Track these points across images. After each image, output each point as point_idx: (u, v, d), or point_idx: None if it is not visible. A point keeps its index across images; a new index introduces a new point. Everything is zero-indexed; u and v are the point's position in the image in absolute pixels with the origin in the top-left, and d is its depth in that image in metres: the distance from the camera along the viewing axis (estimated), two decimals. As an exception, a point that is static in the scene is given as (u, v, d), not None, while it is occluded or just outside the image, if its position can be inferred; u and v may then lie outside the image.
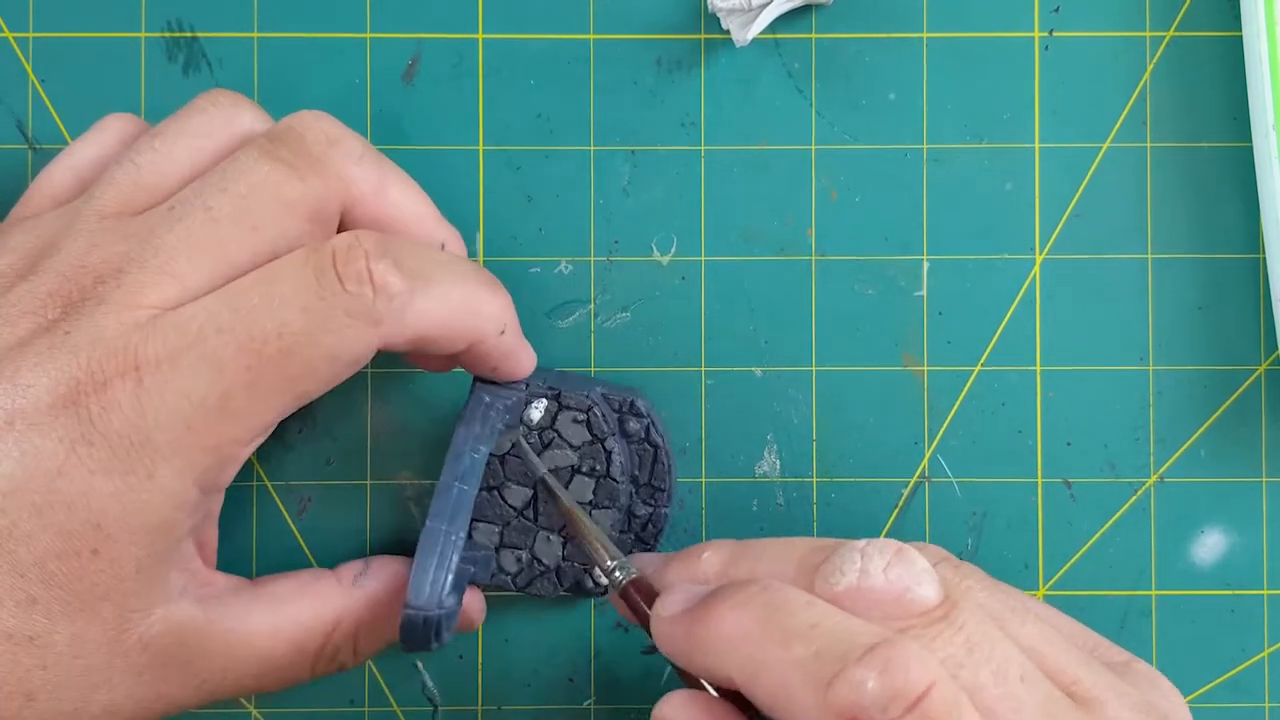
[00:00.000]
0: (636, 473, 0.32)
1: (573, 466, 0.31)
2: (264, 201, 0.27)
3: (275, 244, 0.27)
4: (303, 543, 0.33)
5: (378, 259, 0.26)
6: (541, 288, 0.33)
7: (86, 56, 0.33)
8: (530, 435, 0.31)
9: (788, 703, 0.23)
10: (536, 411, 0.31)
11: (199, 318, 0.25)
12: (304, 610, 0.29)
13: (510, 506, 0.31)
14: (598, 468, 0.31)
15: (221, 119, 0.29)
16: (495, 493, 0.31)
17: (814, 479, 0.33)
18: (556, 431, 0.31)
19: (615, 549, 0.29)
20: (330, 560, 0.33)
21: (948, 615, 0.25)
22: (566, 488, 0.31)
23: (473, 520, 0.31)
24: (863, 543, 0.26)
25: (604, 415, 0.31)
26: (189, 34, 0.33)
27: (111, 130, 0.30)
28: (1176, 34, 0.33)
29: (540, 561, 0.31)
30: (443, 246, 0.30)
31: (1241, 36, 0.33)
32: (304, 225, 0.27)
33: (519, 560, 0.31)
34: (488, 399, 0.30)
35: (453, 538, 0.28)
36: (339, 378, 0.26)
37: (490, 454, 0.30)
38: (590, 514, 0.31)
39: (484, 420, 0.30)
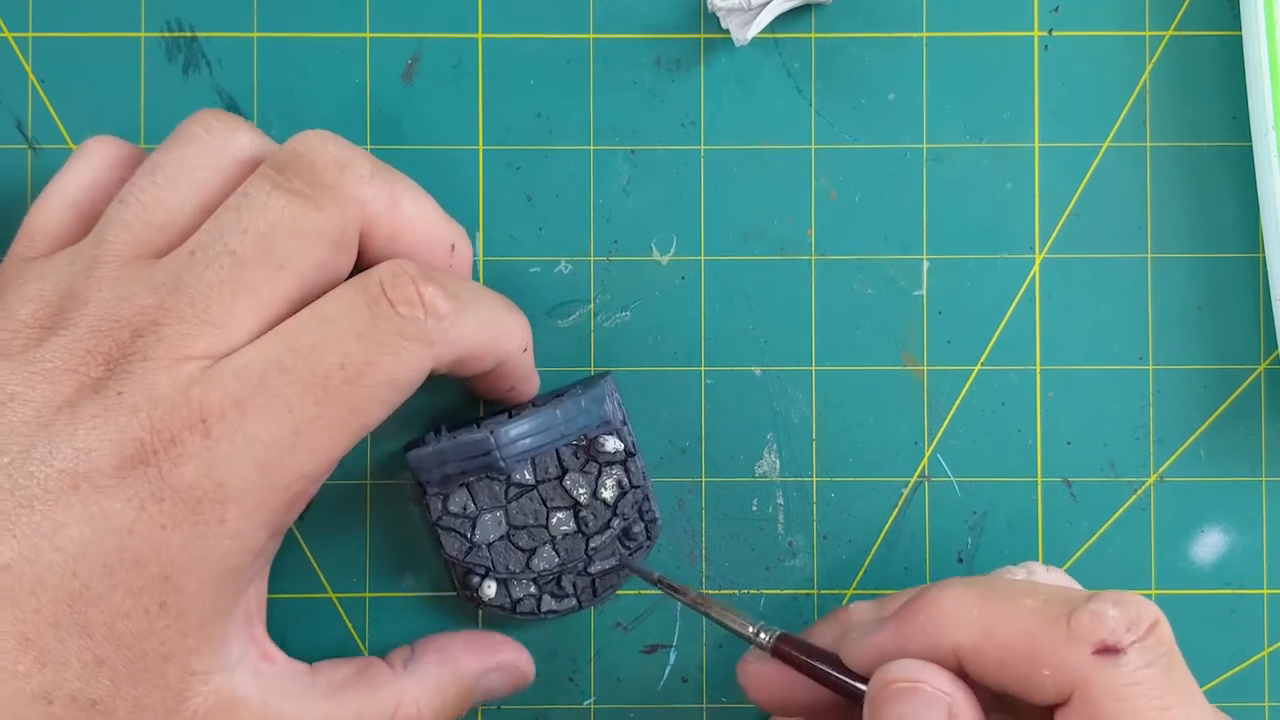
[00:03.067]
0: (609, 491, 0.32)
1: (542, 499, 0.31)
2: (286, 237, 0.27)
3: (304, 276, 0.27)
4: (303, 543, 0.33)
5: (425, 284, 0.27)
6: (541, 287, 0.33)
7: (86, 56, 0.33)
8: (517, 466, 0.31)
9: (1029, 646, 0.24)
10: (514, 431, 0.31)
11: (258, 363, 0.26)
12: (361, 698, 0.29)
13: (517, 548, 0.31)
14: (570, 499, 0.31)
15: (218, 145, 0.28)
16: (506, 540, 0.31)
17: (814, 478, 0.33)
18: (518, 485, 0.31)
19: (749, 615, 0.29)
20: (331, 560, 0.33)
21: (1128, 594, 0.26)
22: (547, 523, 0.31)
23: (503, 579, 0.32)
24: (1013, 565, 0.31)
25: (559, 456, 0.31)
26: (189, 34, 0.33)
27: (99, 155, 0.30)
28: (1176, 33, 0.33)
29: (545, 574, 0.32)
30: (452, 248, 0.30)
31: (1241, 36, 0.33)
32: (328, 253, 0.27)
33: (536, 585, 0.32)
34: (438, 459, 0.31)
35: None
36: (395, 404, 0.27)
37: (475, 510, 0.31)
38: (587, 541, 0.31)
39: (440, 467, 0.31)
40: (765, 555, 0.33)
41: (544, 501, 0.31)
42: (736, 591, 0.33)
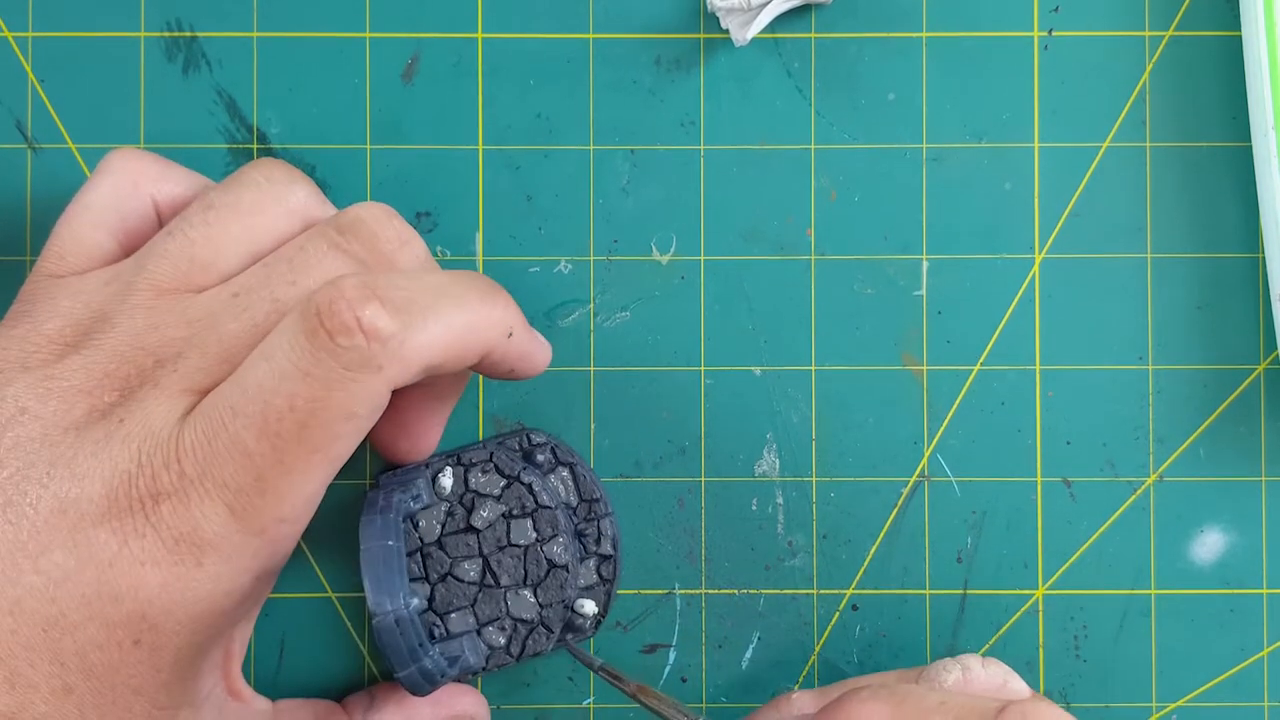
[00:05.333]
0: (567, 499, 0.32)
1: (504, 514, 0.31)
2: None
3: None
4: (302, 543, 0.33)
5: (362, 305, 0.24)
6: (541, 287, 0.33)
7: (86, 56, 0.33)
8: (453, 506, 0.31)
9: None
10: (446, 479, 0.31)
11: (219, 405, 0.25)
12: None
13: (468, 584, 0.30)
14: (527, 504, 0.31)
15: (274, 195, 0.28)
16: (450, 579, 0.30)
17: (813, 478, 0.33)
18: (474, 491, 0.31)
19: (687, 708, 0.29)
20: (331, 560, 0.33)
21: (1039, 705, 0.26)
22: (508, 534, 0.31)
23: (443, 613, 0.30)
24: (950, 658, 0.30)
25: (507, 457, 0.31)
26: (188, 34, 0.33)
27: (124, 171, 0.29)
28: (1176, 33, 0.33)
29: (523, 620, 0.31)
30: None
31: (1241, 36, 0.33)
32: None
33: (503, 629, 0.31)
34: (381, 499, 0.30)
35: (390, 544, 0.28)
36: (364, 430, 0.26)
37: (430, 542, 0.30)
38: (541, 550, 0.31)
39: (384, 515, 0.29)
40: (765, 555, 0.33)
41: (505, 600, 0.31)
42: (736, 591, 0.33)
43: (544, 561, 0.31)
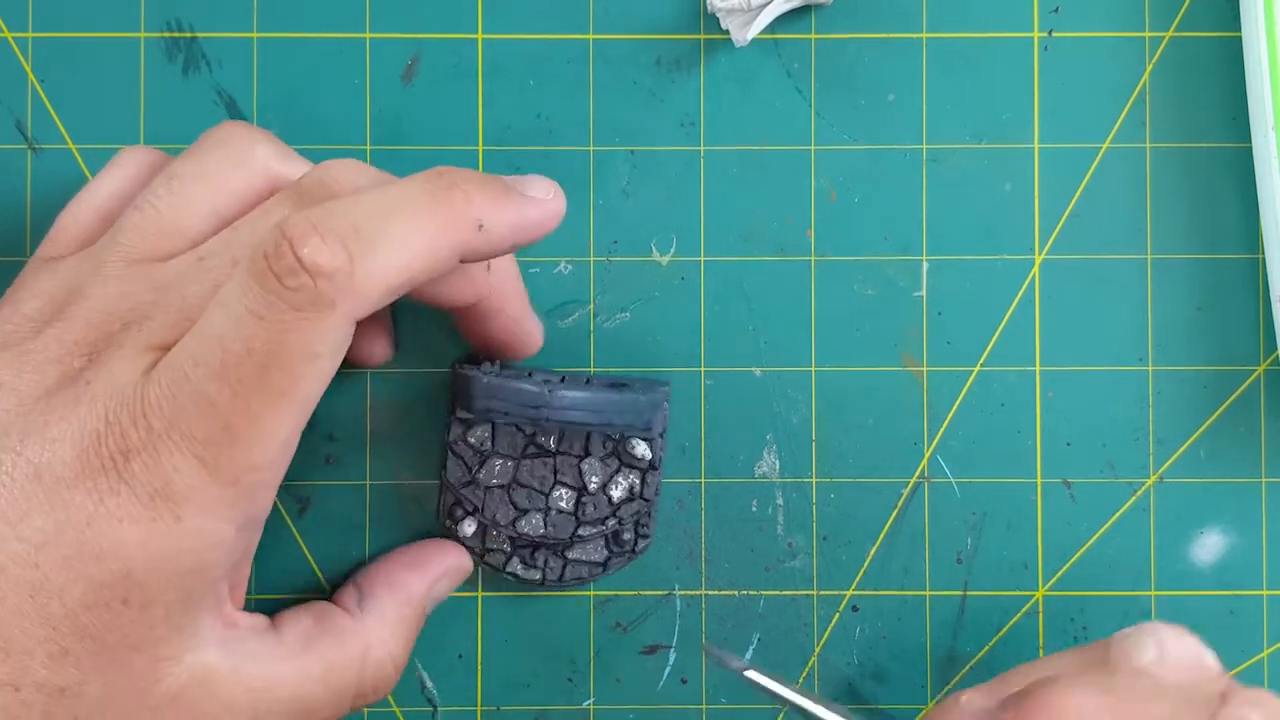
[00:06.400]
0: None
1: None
2: None
3: None
4: (302, 543, 0.33)
5: (302, 242, 0.24)
6: (541, 288, 0.33)
7: (86, 56, 0.33)
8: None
9: None
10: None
11: (180, 357, 0.25)
12: (328, 649, 0.29)
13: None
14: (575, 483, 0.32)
15: (236, 157, 0.28)
16: (505, 491, 0.32)
17: (813, 479, 0.33)
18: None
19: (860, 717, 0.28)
20: (331, 560, 0.33)
21: (1232, 685, 0.26)
22: (548, 493, 0.31)
23: (485, 524, 0.32)
24: (1137, 628, 0.27)
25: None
26: (188, 34, 0.33)
27: (130, 165, 0.30)
28: (1176, 34, 0.33)
29: (525, 539, 0.32)
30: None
31: (1241, 37, 0.33)
32: None
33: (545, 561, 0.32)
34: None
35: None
36: (328, 372, 0.25)
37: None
38: (577, 526, 0.32)
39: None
40: (765, 556, 0.33)
41: (555, 472, 0.31)
42: (736, 592, 0.33)
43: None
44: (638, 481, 0.32)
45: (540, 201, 0.28)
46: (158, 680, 0.26)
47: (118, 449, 0.25)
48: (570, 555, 0.32)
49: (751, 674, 0.29)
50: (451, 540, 0.32)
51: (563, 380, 0.32)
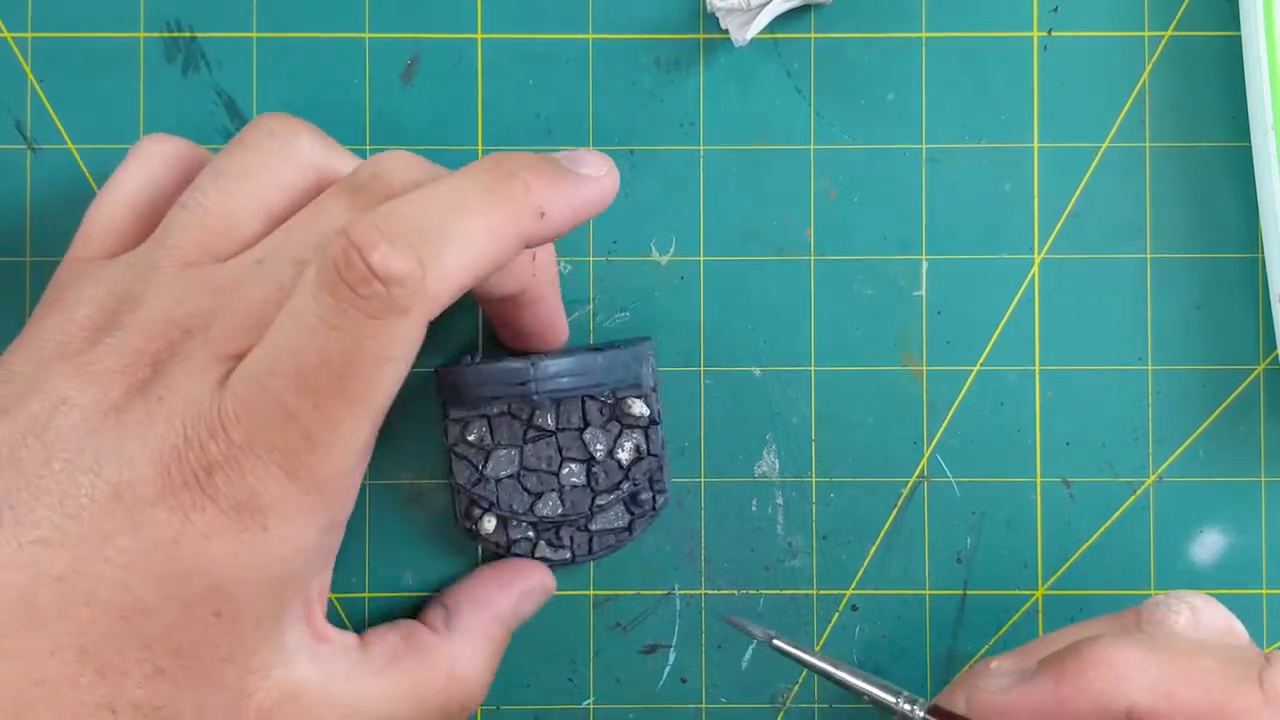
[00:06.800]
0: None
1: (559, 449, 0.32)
2: None
3: None
4: (302, 543, 0.33)
5: (371, 250, 0.23)
6: (541, 288, 0.33)
7: (85, 56, 0.33)
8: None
9: (1216, 710, 0.24)
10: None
11: (254, 368, 0.25)
12: (416, 667, 0.29)
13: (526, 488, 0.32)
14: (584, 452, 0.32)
15: (280, 149, 0.28)
16: (515, 480, 0.32)
17: (813, 479, 0.33)
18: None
19: (892, 685, 0.28)
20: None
21: (1263, 652, 0.26)
22: (558, 471, 0.32)
23: (504, 517, 0.32)
24: (1168, 595, 0.27)
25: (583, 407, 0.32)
26: (188, 34, 0.33)
27: (154, 156, 0.29)
28: (1175, 34, 0.33)
29: (546, 522, 0.32)
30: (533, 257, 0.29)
31: (1240, 36, 0.33)
32: None
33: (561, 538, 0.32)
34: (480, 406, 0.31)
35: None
36: (403, 374, 0.25)
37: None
38: (594, 497, 0.32)
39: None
40: (764, 556, 0.33)
41: (560, 450, 0.31)
42: (736, 592, 0.33)
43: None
44: (642, 440, 0.32)
45: (596, 180, 0.27)
46: (249, 695, 0.26)
47: (199, 464, 0.24)
48: (594, 527, 0.32)
49: (778, 642, 0.29)
50: (478, 540, 0.32)
51: (546, 355, 0.32)
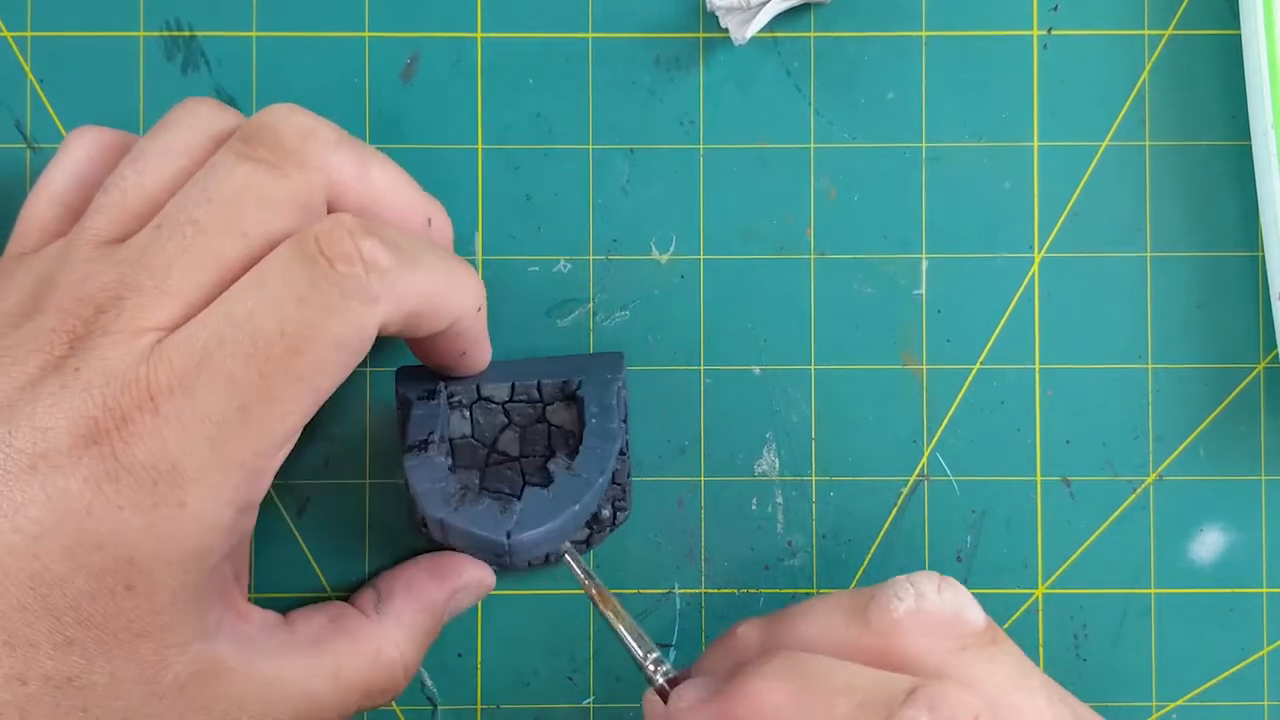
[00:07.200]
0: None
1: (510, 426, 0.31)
2: (249, 205, 0.26)
3: (269, 243, 0.26)
4: (302, 543, 0.33)
5: (362, 237, 0.25)
6: (540, 286, 0.33)
7: (85, 56, 0.33)
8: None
9: None
10: (463, 423, 0.31)
11: (199, 335, 0.25)
12: (339, 648, 0.29)
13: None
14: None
15: (201, 129, 0.28)
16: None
17: (813, 478, 0.33)
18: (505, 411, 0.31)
19: (649, 641, 0.29)
20: (331, 560, 0.33)
21: (997, 639, 0.27)
22: (520, 493, 0.31)
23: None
24: (906, 576, 0.28)
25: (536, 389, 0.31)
26: (187, 33, 0.33)
27: (80, 147, 0.29)
28: (1175, 32, 0.33)
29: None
30: (429, 221, 0.30)
31: (1240, 35, 0.33)
32: (292, 221, 0.27)
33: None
34: (416, 428, 0.30)
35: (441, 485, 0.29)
36: (349, 366, 0.26)
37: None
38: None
39: (424, 452, 0.30)
40: (764, 555, 0.33)
41: (523, 474, 0.31)
42: (736, 591, 0.33)
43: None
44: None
45: (488, 349, 0.31)
46: (165, 667, 0.26)
47: (118, 434, 0.24)
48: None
49: (568, 557, 0.30)
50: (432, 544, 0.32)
51: (520, 524, 0.29)
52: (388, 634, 0.30)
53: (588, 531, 0.32)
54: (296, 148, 0.27)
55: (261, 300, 0.25)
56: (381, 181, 0.29)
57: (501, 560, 0.29)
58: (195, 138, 0.28)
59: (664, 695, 0.28)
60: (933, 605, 0.27)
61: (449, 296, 0.28)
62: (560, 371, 0.31)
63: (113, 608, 0.25)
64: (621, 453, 0.32)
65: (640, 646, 0.29)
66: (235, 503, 0.26)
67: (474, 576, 0.32)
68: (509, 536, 0.28)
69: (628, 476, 0.32)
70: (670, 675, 0.28)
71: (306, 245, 0.25)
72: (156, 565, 0.25)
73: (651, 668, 0.28)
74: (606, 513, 0.32)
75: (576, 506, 0.29)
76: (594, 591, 0.30)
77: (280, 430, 0.25)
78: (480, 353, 0.31)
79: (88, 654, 0.25)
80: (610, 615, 0.29)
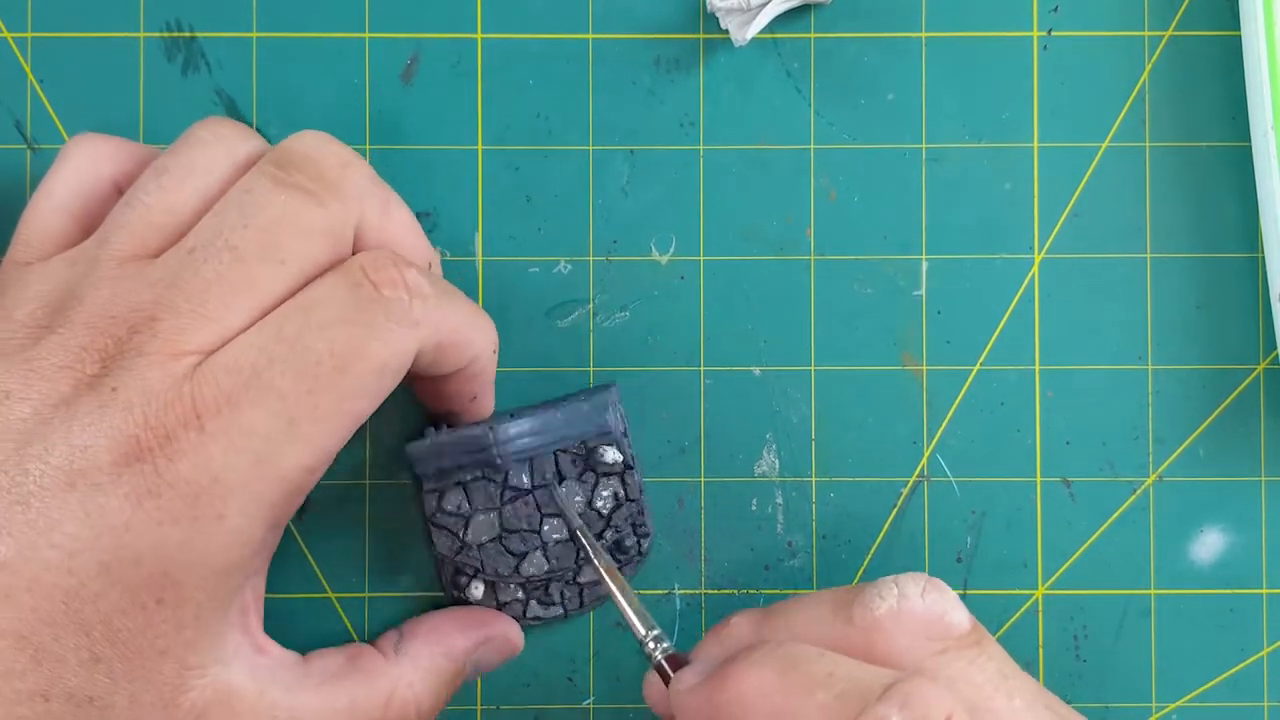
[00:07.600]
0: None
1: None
2: (287, 233, 0.27)
3: (303, 271, 0.27)
4: (302, 544, 0.33)
5: (406, 268, 0.27)
6: (540, 287, 0.33)
7: (85, 57, 0.33)
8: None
9: None
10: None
11: (248, 355, 0.26)
12: (354, 686, 0.29)
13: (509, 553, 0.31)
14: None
15: (225, 151, 0.28)
16: (497, 543, 0.31)
17: (813, 478, 0.33)
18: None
19: (651, 619, 0.29)
20: (331, 561, 0.33)
21: (980, 642, 0.27)
22: (540, 529, 0.31)
23: (491, 581, 0.32)
24: (894, 576, 0.28)
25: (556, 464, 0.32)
26: (188, 34, 0.33)
27: (80, 155, 0.29)
28: (1175, 33, 0.33)
29: (534, 580, 0.32)
30: (429, 266, 0.30)
31: (1240, 36, 0.33)
32: (326, 249, 0.27)
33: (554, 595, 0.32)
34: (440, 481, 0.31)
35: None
36: (386, 390, 0.27)
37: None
38: (579, 550, 0.31)
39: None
40: (764, 555, 0.34)
41: (539, 507, 0.31)
42: (736, 591, 0.33)
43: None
44: (619, 486, 0.32)
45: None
46: (184, 691, 0.26)
47: (160, 451, 0.25)
48: (582, 579, 0.32)
49: (580, 534, 0.31)
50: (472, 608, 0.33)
51: (511, 415, 0.31)
52: (404, 675, 0.30)
53: (616, 565, 0.32)
54: (336, 179, 0.28)
55: (309, 323, 0.26)
56: (400, 219, 0.29)
57: (489, 456, 0.30)
58: (219, 157, 0.28)
59: (662, 672, 0.29)
60: (915, 606, 0.27)
61: (473, 334, 0.29)
62: (567, 427, 0.32)
63: (142, 622, 0.25)
64: (629, 467, 0.32)
65: (642, 624, 0.29)
66: (269, 519, 0.26)
67: (502, 630, 0.32)
68: (492, 429, 0.30)
69: (641, 492, 0.32)
70: (669, 653, 0.29)
71: (352, 271, 0.27)
72: (189, 578, 0.25)
73: (652, 645, 0.29)
74: (630, 541, 0.32)
75: (559, 413, 0.31)
76: (602, 565, 0.30)
77: (322, 447, 0.26)
78: (488, 399, 0.31)
79: (112, 673, 0.25)
80: (616, 590, 0.30)
